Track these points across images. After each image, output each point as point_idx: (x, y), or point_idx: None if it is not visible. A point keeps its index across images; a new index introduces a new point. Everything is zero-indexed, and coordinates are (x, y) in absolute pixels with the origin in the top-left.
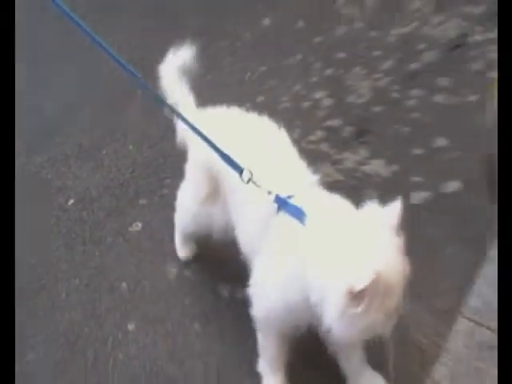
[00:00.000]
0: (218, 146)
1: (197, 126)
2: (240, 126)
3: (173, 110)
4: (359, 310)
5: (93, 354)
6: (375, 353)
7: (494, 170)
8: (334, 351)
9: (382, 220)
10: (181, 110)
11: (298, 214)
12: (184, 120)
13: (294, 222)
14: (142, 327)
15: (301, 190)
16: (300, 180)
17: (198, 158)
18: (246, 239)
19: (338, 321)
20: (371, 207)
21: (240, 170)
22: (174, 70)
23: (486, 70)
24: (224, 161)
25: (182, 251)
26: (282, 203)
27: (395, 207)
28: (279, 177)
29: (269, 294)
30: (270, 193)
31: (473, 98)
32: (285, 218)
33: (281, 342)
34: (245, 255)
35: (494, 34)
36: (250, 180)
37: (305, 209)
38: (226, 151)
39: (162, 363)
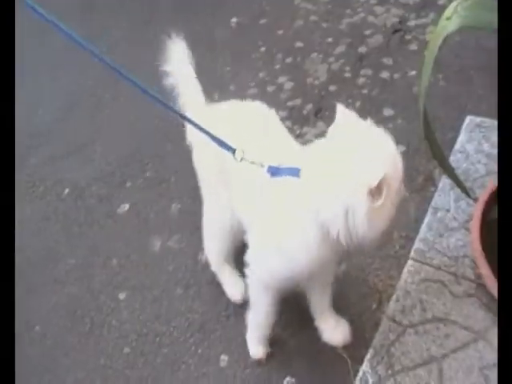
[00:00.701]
0: (210, 130)
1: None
2: (236, 112)
3: (158, 100)
4: (380, 201)
5: (89, 321)
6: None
7: (429, 129)
8: (308, 296)
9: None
10: (191, 106)
11: (293, 171)
12: (170, 108)
13: (290, 179)
14: (132, 295)
15: (290, 157)
16: (289, 151)
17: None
18: (244, 211)
19: (365, 220)
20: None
21: (233, 150)
22: (181, 64)
23: (421, 49)
24: (217, 144)
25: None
26: (275, 170)
27: None
28: (271, 151)
29: (273, 255)
30: (262, 166)
31: (412, 73)
32: (279, 181)
33: (274, 300)
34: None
35: (426, 20)
36: (242, 158)
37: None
38: (216, 135)
39: (151, 324)
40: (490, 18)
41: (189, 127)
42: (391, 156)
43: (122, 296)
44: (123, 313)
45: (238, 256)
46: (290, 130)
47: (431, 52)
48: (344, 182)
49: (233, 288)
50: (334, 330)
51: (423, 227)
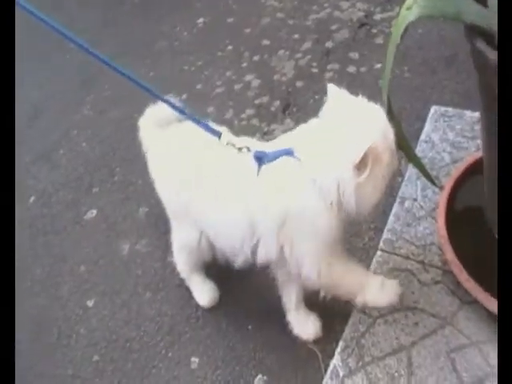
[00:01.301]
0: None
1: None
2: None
3: (150, 90)
4: (365, 174)
5: (57, 331)
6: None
7: (394, 121)
8: (280, 290)
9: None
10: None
11: (287, 151)
12: (159, 97)
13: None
14: (101, 302)
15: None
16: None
17: None
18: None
19: (353, 193)
20: None
21: (219, 134)
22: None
23: (387, 42)
24: (203, 129)
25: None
26: (262, 154)
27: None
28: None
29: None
30: (249, 149)
31: (378, 66)
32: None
33: None
34: None
35: (391, 13)
36: (228, 143)
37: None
38: (203, 120)
39: (120, 330)
40: (448, 7)
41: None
42: (379, 129)
43: (90, 303)
44: (92, 320)
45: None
46: (257, 128)
47: (393, 42)
48: (333, 158)
49: (201, 294)
50: (305, 324)
51: (391, 217)
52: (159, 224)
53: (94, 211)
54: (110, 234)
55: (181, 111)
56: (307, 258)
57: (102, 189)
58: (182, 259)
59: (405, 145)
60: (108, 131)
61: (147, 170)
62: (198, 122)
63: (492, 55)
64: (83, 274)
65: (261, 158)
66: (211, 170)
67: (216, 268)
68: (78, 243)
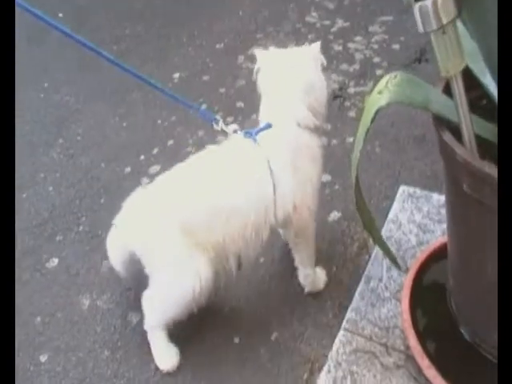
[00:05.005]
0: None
1: None
2: None
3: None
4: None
5: None
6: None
7: (361, 200)
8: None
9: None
10: None
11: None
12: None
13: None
14: (55, 357)
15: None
16: None
17: None
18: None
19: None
20: None
21: (214, 119)
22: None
23: (360, 117)
24: (200, 114)
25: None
26: (249, 133)
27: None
28: None
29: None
30: (235, 131)
31: (350, 139)
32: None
33: None
34: None
35: (365, 88)
36: (222, 128)
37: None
38: (199, 106)
39: None
40: (417, 95)
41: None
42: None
43: (43, 358)
44: (43, 377)
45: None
46: None
47: (364, 126)
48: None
49: (163, 357)
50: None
51: (356, 296)
52: (122, 280)
53: (56, 260)
54: (70, 285)
55: (173, 96)
56: (308, 187)
57: (66, 238)
58: (168, 312)
59: (371, 226)
60: (76, 177)
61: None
62: (195, 108)
63: (458, 149)
64: (38, 327)
65: (250, 134)
66: (208, 184)
67: (178, 330)
68: (36, 292)
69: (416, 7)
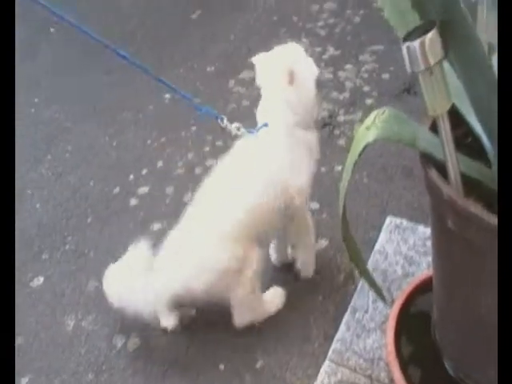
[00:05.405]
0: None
1: None
2: None
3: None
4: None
5: None
6: None
7: (348, 232)
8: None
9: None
10: None
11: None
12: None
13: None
14: (36, 380)
15: None
16: None
17: None
18: None
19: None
20: None
21: (220, 117)
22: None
23: (348, 146)
24: (206, 114)
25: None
26: (250, 131)
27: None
28: None
29: None
30: (238, 129)
31: (339, 168)
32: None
33: None
34: None
35: (354, 116)
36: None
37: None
38: (204, 107)
39: None
40: (404, 132)
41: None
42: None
43: (24, 381)
44: None
45: None
46: None
47: (351, 159)
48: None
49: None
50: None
51: (342, 327)
52: (108, 301)
53: (41, 279)
54: (55, 305)
55: (175, 90)
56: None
57: (52, 256)
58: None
59: (357, 258)
60: (64, 196)
61: (100, 242)
62: (201, 108)
63: (444, 187)
64: (20, 347)
65: (252, 132)
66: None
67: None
68: (20, 311)
69: (404, 47)
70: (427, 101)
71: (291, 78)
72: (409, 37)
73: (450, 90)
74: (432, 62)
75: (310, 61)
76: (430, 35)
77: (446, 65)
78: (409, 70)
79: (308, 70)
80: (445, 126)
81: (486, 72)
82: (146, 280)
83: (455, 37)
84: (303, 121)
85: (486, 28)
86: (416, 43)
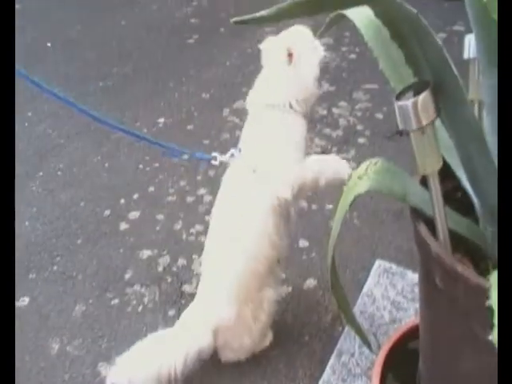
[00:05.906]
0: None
1: None
2: None
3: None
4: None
5: None
6: None
7: (336, 279)
8: None
9: None
10: None
11: None
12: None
13: None
14: None
15: None
16: None
17: None
18: None
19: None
20: None
21: (210, 158)
22: None
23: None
24: (196, 158)
25: None
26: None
27: None
28: None
29: None
30: (232, 155)
31: (329, 206)
32: None
33: None
34: None
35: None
36: (221, 161)
37: None
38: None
39: None
40: (396, 185)
41: None
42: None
43: None
44: None
45: None
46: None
47: (342, 209)
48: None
49: None
50: None
51: (327, 369)
52: (95, 326)
53: (27, 299)
54: (40, 327)
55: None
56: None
57: (39, 276)
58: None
59: (344, 306)
60: (54, 214)
61: (89, 265)
62: (192, 154)
63: (432, 243)
64: None
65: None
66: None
67: None
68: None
69: (396, 106)
70: (418, 159)
71: (290, 58)
72: (402, 94)
73: (440, 150)
74: (424, 122)
75: (317, 43)
76: (422, 96)
77: (437, 120)
78: (401, 128)
79: (311, 51)
80: (435, 185)
81: (476, 136)
82: None
83: (446, 98)
84: (297, 104)
85: (477, 86)
86: (409, 103)
